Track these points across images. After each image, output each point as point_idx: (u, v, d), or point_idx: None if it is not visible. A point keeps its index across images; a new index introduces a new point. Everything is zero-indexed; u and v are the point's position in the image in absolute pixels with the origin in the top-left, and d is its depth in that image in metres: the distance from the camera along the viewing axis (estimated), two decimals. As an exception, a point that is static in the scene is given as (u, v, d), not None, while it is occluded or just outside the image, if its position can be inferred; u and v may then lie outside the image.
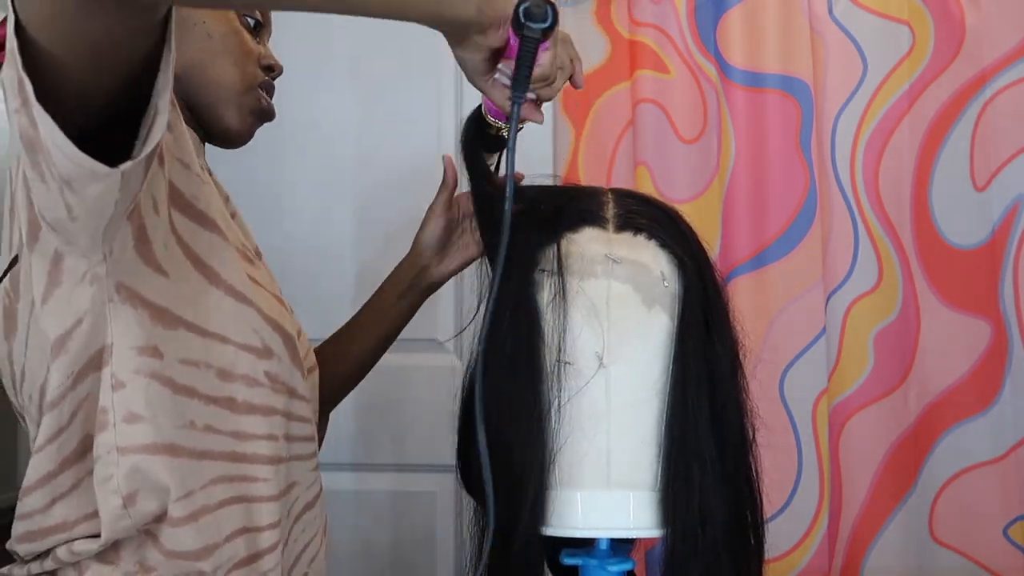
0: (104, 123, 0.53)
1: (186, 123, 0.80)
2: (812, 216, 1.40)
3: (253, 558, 0.70)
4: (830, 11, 1.44)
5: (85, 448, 0.65)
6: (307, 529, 0.80)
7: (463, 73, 0.73)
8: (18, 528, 0.68)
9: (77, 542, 0.66)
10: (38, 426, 0.66)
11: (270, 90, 0.86)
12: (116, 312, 0.62)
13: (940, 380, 1.38)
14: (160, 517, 0.66)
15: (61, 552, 0.67)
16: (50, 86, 0.49)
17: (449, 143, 1.52)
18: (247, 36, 0.83)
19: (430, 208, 1.00)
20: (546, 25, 0.65)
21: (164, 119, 0.53)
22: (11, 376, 0.68)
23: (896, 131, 1.42)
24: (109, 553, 0.67)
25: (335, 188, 1.52)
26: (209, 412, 0.67)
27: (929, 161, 1.41)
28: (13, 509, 0.68)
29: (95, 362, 0.63)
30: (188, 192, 0.67)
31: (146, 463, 0.64)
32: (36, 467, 0.66)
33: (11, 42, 0.48)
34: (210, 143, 0.85)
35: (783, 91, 1.42)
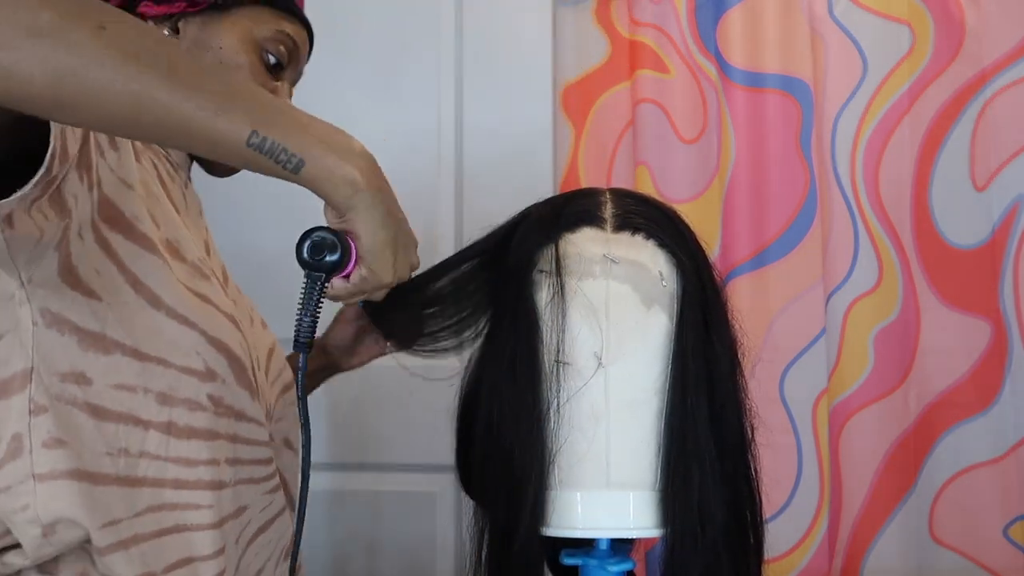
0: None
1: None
2: (812, 216, 1.41)
3: None
4: (830, 11, 1.44)
5: None
6: (260, 553, 0.78)
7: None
8: None
9: (8, 554, 0.64)
10: None
11: None
12: (40, 336, 0.61)
13: (940, 380, 1.39)
14: (87, 542, 0.63)
15: None
16: None
17: (448, 144, 1.51)
18: (262, 75, 0.80)
19: (340, 312, 0.95)
20: (336, 258, 0.57)
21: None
22: None
23: (896, 131, 1.42)
24: (48, 565, 0.65)
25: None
26: (146, 438, 0.66)
27: (929, 161, 1.41)
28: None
29: (5, 387, 0.61)
30: (129, 212, 0.65)
31: (65, 490, 0.62)
32: None
33: None
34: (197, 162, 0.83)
35: (783, 91, 1.42)
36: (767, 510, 0.73)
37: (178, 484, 0.67)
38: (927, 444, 1.39)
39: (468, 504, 0.76)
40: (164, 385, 0.66)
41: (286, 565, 0.82)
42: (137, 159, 0.70)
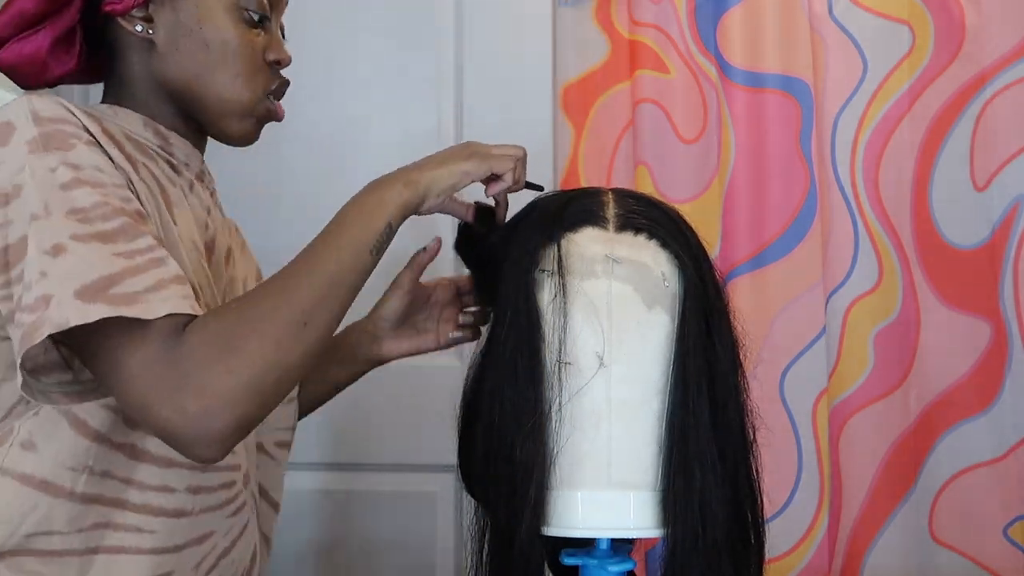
0: None
1: (182, 134, 0.78)
2: (812, 216, 1.41)
3: None
4: (830, 11, 1.44)
5: None
6: (223, 575, 0.78)
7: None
8: None
9: None
10: None
11: (282, 86, 0.81)
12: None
13: (940, 380, 1.38)
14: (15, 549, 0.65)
15: None
16: None
17: (448, 135, 1.51)
18: (250, 37, 0.76)
19: (395, 282, 0.93)
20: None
21: None
22: None
23: (896, 131, 1.42)
24: None
25: (331, 183, 1.51)
26: (111, 458, 0.67)
27: (929, 161, 1.41)
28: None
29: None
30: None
31: (13, 489, 0.64)
32: None
33: None
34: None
35: (783, 91, 1.42)
36: (767, 510, 0.73)
37: (127, 506, 0.68)
38: (927, 444, 1.39)
39: (468, 504, 0.75)
40: None
41: None
42: (135, 169, 0.70)
